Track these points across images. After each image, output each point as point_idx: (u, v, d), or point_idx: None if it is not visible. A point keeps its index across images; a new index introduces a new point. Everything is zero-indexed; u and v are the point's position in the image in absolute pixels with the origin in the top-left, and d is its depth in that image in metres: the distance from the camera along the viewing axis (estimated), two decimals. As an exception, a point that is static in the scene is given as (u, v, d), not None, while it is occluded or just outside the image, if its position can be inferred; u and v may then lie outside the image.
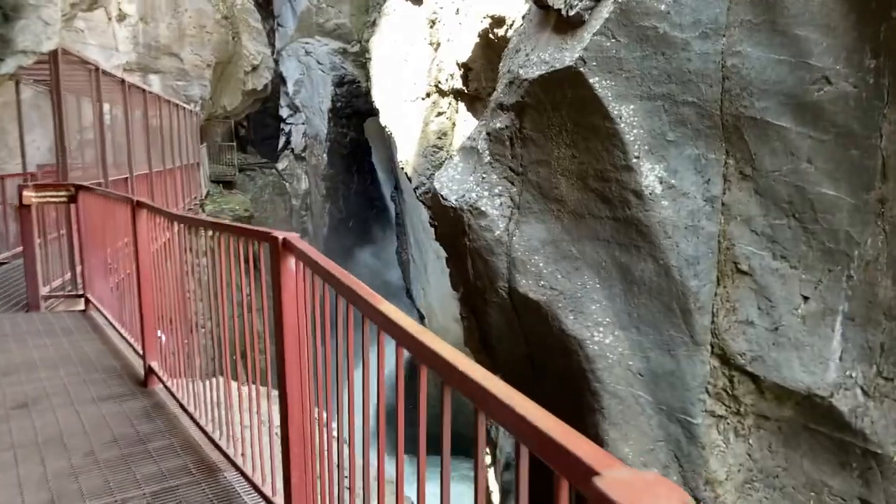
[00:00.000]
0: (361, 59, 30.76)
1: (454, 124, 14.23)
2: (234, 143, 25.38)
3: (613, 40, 6.10)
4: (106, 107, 9.76)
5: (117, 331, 4.71)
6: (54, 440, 3.21)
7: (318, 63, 30.25)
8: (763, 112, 5.67)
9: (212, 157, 23.83)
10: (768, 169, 5.75)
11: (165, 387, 3.58)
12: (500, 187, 7.22)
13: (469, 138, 7.67)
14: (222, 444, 2.91)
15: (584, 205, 6.57)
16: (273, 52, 29.47)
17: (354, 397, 1.83)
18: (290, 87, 30.37)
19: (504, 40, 12.05)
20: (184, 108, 15.47)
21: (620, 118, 6.11)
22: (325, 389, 2.15)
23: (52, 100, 6.60)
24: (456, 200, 7.39)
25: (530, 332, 7.14)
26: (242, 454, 3.00)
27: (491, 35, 12.27)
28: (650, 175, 6.08)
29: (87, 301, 5.67)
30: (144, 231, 3.73)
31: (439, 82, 14.30)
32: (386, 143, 31.76)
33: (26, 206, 5.59)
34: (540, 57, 6.71)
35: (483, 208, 7.19)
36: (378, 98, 16.96)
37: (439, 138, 14.39)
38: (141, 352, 3.95)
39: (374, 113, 33.03)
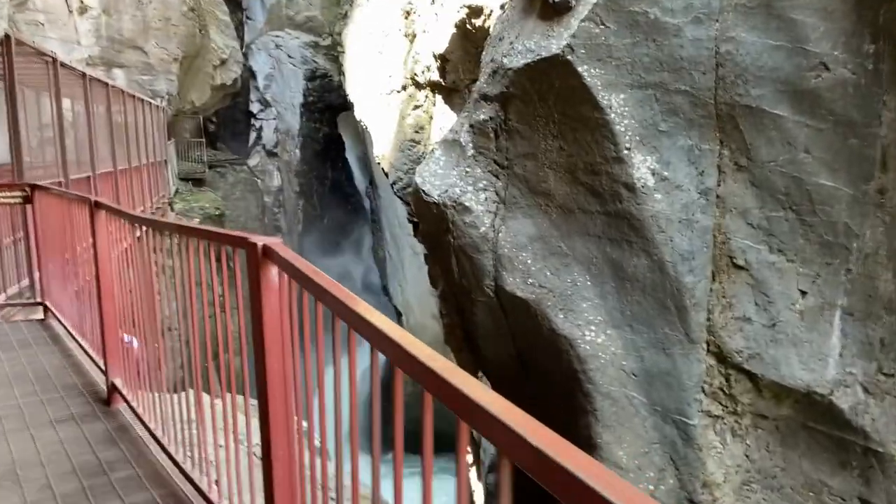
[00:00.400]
0: (333, 53, 30.23)
1: (431, 117, 13.91)
2: (204, 140, 24.74)
3: (602, 27, 5.84)
4: (66, 102, 9.27)
5: (78, 342, 4.34)
6: (7, 471, 2.86)
7: (289, 57, 29.66)
8: (759, 100, 5.46)
9: (180, 155, 23.19)
10: (764, 159, 5.55)
11: (130, 406, 3.24)
12: (484, 181, 6.94)
13: (451, 131, 7.37)
14: (194, 475, 2.59)
15: (574, 199, 6.32)
16: (242, 46, 28.81)
17: (343, 420, 1.55)
18: (261, 82, 29.75)
19: (482, 31, 11.76)
20: (149, 104, 14.91)
21: (610, 108, 5.87)
22: (310, 414, 1.85)
23: (5, 94, 6.15)
24: (438, 196, 7.10)
25: (518, 331, 6.89)
26: (217, 482, 2.69)
27: (468, 25, 11.96)
28: (642, 167, 5.85)
29: (46, 309, 5.26)
30: (104, 234, 3.37)
31: (415, 74, 13.97)
32: (360, 138, 31.29)
33: (-24, 209, 5.18)
34: (525, 45, 6.44)
35: (467, 204, 6.91)
36: (352, 92, 16.57)
37: (416, 132, 14.07)
38: (103, 367, 3.60)
39: (347, 107, 32.51)
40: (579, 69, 5.93)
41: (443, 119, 13.37)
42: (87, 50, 14.99)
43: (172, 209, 17.97)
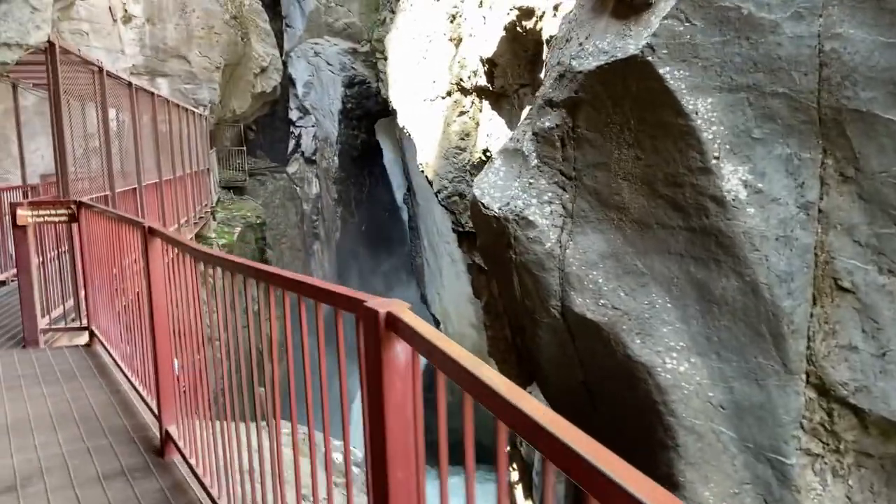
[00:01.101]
0: (372, 59, 30.06)
1: (478, 124, 13.46)
2: (244, 148, 24.70)
3: (687, 24, 5.32)
4: (112, 112, 9.07)
5: (126, 376, 3.98)
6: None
7: (328, 64, 29.55)
8: (869, 104, 4.88)
9: (221, 163, 23.16)
10: (875, 169, 4.95)
11: (186, 461, 2.84)
12: (549, 194, 6.46)
13: (511, 139, 6.91)
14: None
15: (652, 213, 5.79)
16: (282, 54, 28.79)
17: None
18: (300, 90, 29.67)
19: (533, 33, 11.28)
20: (193, 112, 14.79)
21: (696, 114, 5.34)
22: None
23: (50, 103, 5.89)
24: (499, 209, 6.64)
25: (587, 356, 6.37)
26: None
27: (518, 28, 11.50)
28: (732, 178, 5.30)
29: (92, 334, 4.94)
30: (159, 265, 3.00)
31: (461, 80, 13.54)
32: (398, 145, 31.02)
33: (21, 227, 4.87)
34: (597, 46, 5.94)
35: (531, 218, 6.43)
36: (395, 98, 16.22)
37: (462, 139, 13.63)
38: (156, 410, 3.22)
39: (385, 114, 32.31)
40: (661, 71, 5.41)
41: (490, 126, 12.92)
42: (132, 59, 14.93)
43: (214, 218, 17.86)
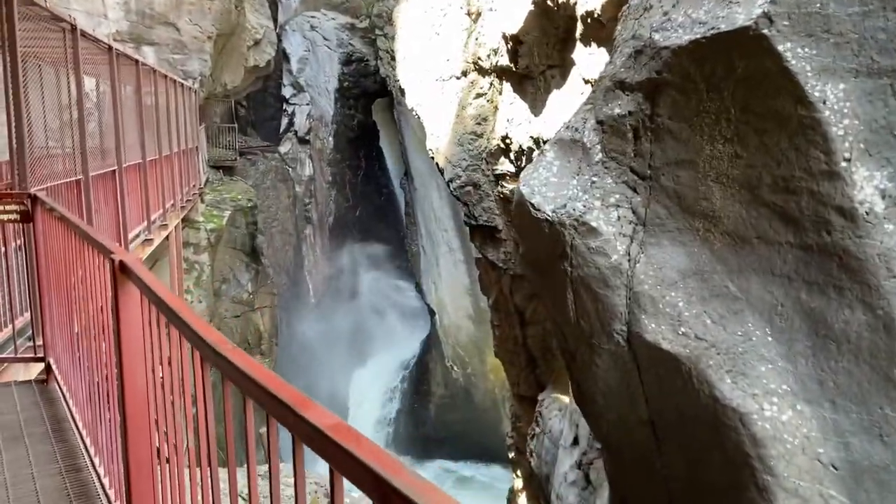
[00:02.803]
0: (370, 36, 28.71)
1: (497, 108, 12.32)
2: (235, 125, 23.34)
3: (818, -11, 4.22)
4: (89, 82, 7.84)
5: (87, 450, 2.86)
6: None
7: (325, 39, 28.15)
8: None
9: (210, 140, 21.82)
10: None
11: None
12: (617, 195, 5.37)
13: (568, 128, 5.80)
14: None
15: (752, 224, 4.72)
16: (276, 27, 27.33)
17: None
18: (294, 65, 28.30)
19: (567, 7, 10.11)
20: (182, 85, 13.49)
21: (824, 103, 4.26)
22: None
23: (3, 64, 4.69)
24: (552, 212, 5.54)
25: (657, 393, 5.32)
26: None
27: (549, 2, 10.33)
28: (867, 186, 4.23)
29: (49, 368, 3.82)
30: (135, 324, 1.88)
31: (479, 59, 12.37)
32: (396, 128, 29.74)
33: (-46, 227, 3.73)
34: (690, 16, 4.83)
35: (593, 223, 5.34)
36: (403, 77, 15.01)
37: (478, 124, 12.49)
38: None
39: (383, 94, 30.96)
40: (780, 48, 4.32)
41: (511, 110, 11.77)
42: (115, 24, 13.59)
43: (203, 200, 16.61)
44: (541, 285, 6.05)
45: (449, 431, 28.10)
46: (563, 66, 10.77)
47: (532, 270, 6.11)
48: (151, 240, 8.94)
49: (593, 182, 5.43)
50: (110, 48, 7.31)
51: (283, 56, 28.09)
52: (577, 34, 10.16)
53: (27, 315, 4.55)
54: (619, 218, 5.32)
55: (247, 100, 29.18)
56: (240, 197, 18.24)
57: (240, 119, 27.60)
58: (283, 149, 27.68)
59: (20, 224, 3.95)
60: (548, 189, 5.68)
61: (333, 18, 28.40)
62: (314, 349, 26.86)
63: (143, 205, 8.75)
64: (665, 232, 5.15)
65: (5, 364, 4.12)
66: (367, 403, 27.75)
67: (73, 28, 5.78)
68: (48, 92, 6.31)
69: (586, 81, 9.90)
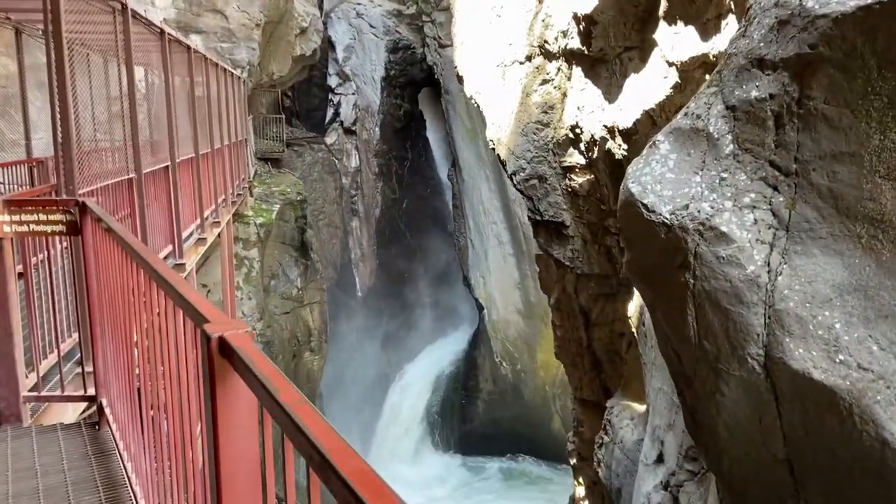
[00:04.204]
0: (417, 23, 27.96)
1: (565, 95, 11.45)
2: (283, 116, 22.88)
3: None
4: (139, 70, 7.29)
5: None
6: None
7: (371, 26, 27.49)
8: None
9: (257, 132, 21.41)
10: None
11: None
12: (753, 194, 4.53)
13: (688, 115, 4.96)
14: None
15: (937, 232, 3.85)
16: (321, 14, 26.77)
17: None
18: (340, 54, 27.71)
19: (650, -17, 9.21)
20: (231, 74, 12.97)
21: None
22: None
23: (48, 55, 4.09)
24: (671, 214, 4.73)
25: (799, 428, 4.49)
26: None
27: (629, -23, 9.43)
28: None
29: (102, 410, 3.21)
30: (239, 421, 1.21)
31: (545, 42, 11.52)
32: (443, 117, 28.97)
33: (-8, 240, 3.15)
34: (858, -24, 3.95)
35: (724, 228, 4.52)
36: (462, 63, 14.22)
37: (544, 112, 11.65)
38: None
39: (430, 83, 30.19)
40: None
41: (582, 97, 10.90)
42: (163, 12, 13.15)
43: (251, 194, 16.15)
44: (651, 298, 5.24)
45: (497, 428, 27.40)
46: (642, 48, 9.86)
47: (640, 281, 5.31)
48: (205, 239, 8.43)
49: (723, 179, 4.60)
50: (162, 32, 6.73)
51: (328, 44, 27.54)
52: (661, 12, 9.23)
53: (72, 339, 3.97)
54: (755, 221, 4.49)
55: (291, 90, 28.76)
56: (289, 190, 17.76)
57: (285, 110, 27.20)
58: (329, 140, 27.19)
59: (66, 237, 3.36)
60: (664, 187, 4.87)
61: (380, 5, 27.72)
62: (361, 344, 26.43)
63: (196, 202, 8.22)
64: (815, 238, 4.31)
65: (51, 403, 3.53)
66: (412, 399, 27.23)
67: (125, 7, 5.18)
68: (96, 82, 5.74)
69: (670, 64, 8.99)
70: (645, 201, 4.89)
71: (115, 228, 2.49)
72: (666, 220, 4.74)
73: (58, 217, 3.14)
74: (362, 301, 27.12)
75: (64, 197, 3.58)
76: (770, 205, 4.46)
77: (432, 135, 29.95)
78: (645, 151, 5.17)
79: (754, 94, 4.47)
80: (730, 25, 7.87)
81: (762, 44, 4.46)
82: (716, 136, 4.67)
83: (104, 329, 3.10)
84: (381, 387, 27.15)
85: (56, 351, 3.61)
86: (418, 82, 28.54)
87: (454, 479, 26.43)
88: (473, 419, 28.09)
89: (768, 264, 4.42)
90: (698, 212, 4.61)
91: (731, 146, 4.59)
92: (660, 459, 8.85)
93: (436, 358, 27.97)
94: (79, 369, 3.87)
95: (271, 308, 17.10)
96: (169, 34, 6.89)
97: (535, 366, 27.07)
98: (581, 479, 14.61)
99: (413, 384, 27.48)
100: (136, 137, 5.49)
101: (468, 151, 27.50)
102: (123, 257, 2.52)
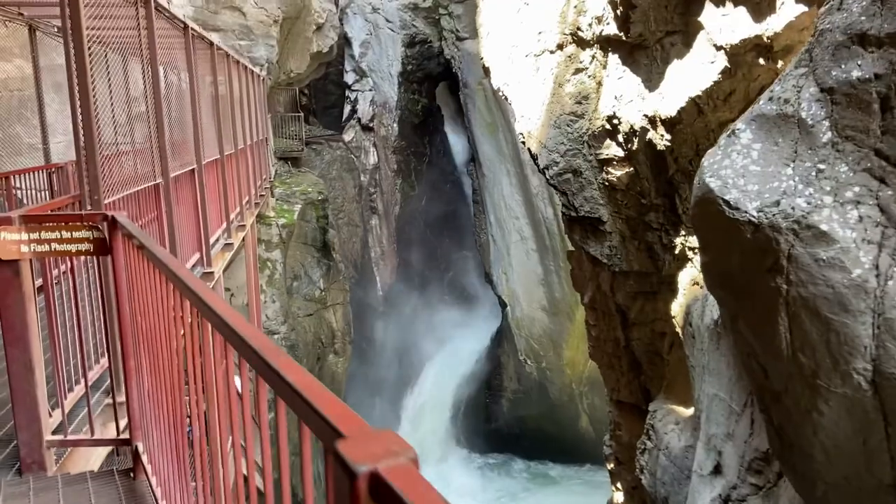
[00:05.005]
0: (434, 16, 27.45)
1: (600, 84, 10.93)
2: (301, 114, 22.48)
3: None
4: (162, 68, 6.87)
5: None
6: None
7: (387, 21, 27.02)
8: None
9: (276, 131, 21.04)
10: None
11: None
12: (856, 187, 4.03)
13: (773, 99, 4.45)
14: None
15: None
16: (337, 10, 26.35)
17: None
18: (356, 49, 27.28)
19: (696, -38, 8.66)
20: (252, 72, 12.58)
21: None
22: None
23: (66, 54, 3.68)
24: (759, 211, 4.23)
25: (915, 450, 3.99)
26: None
27: (672, -43, 8.90)
28: None
29: (137, 457, 2.79)
30: None
31: (579, 28, 10.99)
32: (462, 111, 28.45)
33: (8, 263, 2.71)
34: None
35: (823, 226, 4.01)
36: (489, 54, 13.72)
37: (578, 103, 11.14)
38: None
39: (447, 76, 29.66)
40: None
41: (619, 86, 10.37)
42: (180, 9, 12.75)
43: (272, 194, 15.78)
44: (732, 306, 4.74)
45: (523, 427, 26.94)
46: (686, 32, 9.30)
47: (720, 287, 4.80)
48: (231, 244, 8.04)
49: (820, 170, 4.09)
50: (186, 27, 6.32)
51: (344, 40, 27.11)
52: (707, -8, 8.69)
53: (103, 360, 3.54)
54: (860, 218, 3.98)
55: (308, 88, 28.39)
56: (310, 189, 17.37)
57: (302, 108, 26.84)
58: (347, 137, 26.79)
59: (93, 257, 2.93)
60: (748, 181, 4.37)
61: (395, -1, 27.25)
62: (384, 343, 26.06)
63: (221, 205, 7.83)
64: (935, 238, 3.80)
65: (78, 447, 3.08)
66: (436, 399, 26.81)
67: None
68: (115, 80, 5.33)
69: (718, 48, 8.45)
70: (727, 197, 4.38)
71: (159, 255, 2.03)
72: (753, 219, 4.24)
73: (84, 234, 2.71)
74: (383, 300, 26.73)
75: (89, 210, 3.16)
76: (877, 199, 3.95)
77: (450, 129, 29.46)
78: (722, 141, 4.66)
79: (856, 74, 3.95)
80: (786, 5, 7.32)
81: (864, 17, 3.94)
82: (809, 122, 4.16)
83: (139, 362, 2.67)
84: (405, 386, 26.77)
85: (83, 381, 3.17)
86: (435, 77, 28.05)
87: (480, 479, 26.02)
88: (498, 418, 27.63)
89: (877, 267, 3.91)
90: (792, 208, 4.10)
91: (829, 133, 4.08)
92: (717, 471, 8.35)
93: (459, 357, 27.53)
94: (108, 399, 3.45)
95: (294, 310, 16.75)
96: (193, 29, 6.47)
97: (560, 363, 26.55)
98: (619, 485, 14.12)
99: (436, 384, 27.07)
100: (163, 140, 5.08)
101: (488, 146, 26.98)
102: (164, 282, 2.10)
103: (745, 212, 4.28)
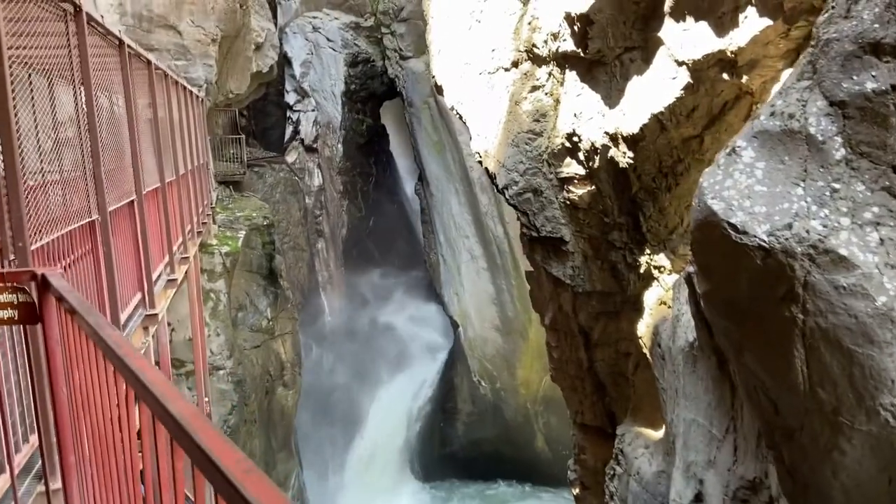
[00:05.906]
0: (376, 35, 27.09)
1: (558, 101, 10.70)
2: (242, 136, 21.65)
3: None
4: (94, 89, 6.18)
5: None
6: None
7: (328, 40, 26.49)
8: None
9: (215, 153, 20.15)
10: None
11: None
12: (875, 207, 3.76)
13: (774, 115, 4.18)
14: None
15: None
16: (276, 29, 25.65)
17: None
18: (297, 69, 26.61)
19: (656, -23, 8.52)
20: (191, 93, 11.83)
21: None
22: None
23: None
24: (770, 235, 3.92)
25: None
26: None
27: (630, -28, 8.73)
28: None
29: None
30: None
31: (534, 45, 10.75)
32: (407, 130, 28.10)
33: None
34: None
35: (842, 251, 3.73)
36: (440, 73, 13.36)
37: (536, 121, 10.87)
38: None
39: (391, 95, 29.28)
40: None
41: (578, 103, 10.15)
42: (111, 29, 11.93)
43: (214, 221, 14.94)
44: (738, 337, 4.42)
45: (479, 451, 26.44)
46: (645, 48, 9.15)
47: (724, 317, 4.47)
48: (175, 280, 7.33)
49: (835, 190, 3.81)
50: (122, 43, 5.65)
51: (284, 60, 26.42)
52: (667, 7, 8.53)
53: (32, 439, 2.89)
54: (881, 241, 3.70)
55: (247, 109, 27.51)
56: (254, 214, 16.59)
57: (242, 129, 25.93)
58: (289, 158, 26.01)
59: (17, 326, 2.34)
60: (755, 202, 4.06)
61: (337, 18, 26.74)
62: (334, 370, 25.20)
63: (163, 238, 7.12)
64: (962, 261, 3.55)
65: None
66: (388, 427, 26.04)
67: (78, 10, 4.12)
68: (40, 107, 4.65)
69: (680, 63, 8.30)
70: (733, 220, 4.06)
71: (96, 326, 1.51)
72: (764, 243, 3.92)
73: (7, 298, 2.12)
74: (332, 325, 25.92)
75: (13, 263, 2.53)
76: (898, 221, 3.69)
77: (397, 149, 29.05)
78: (722, 160, 4.36)
79: (870, 85, 3.70)
80: (749, 19, 7.18)
81: (877, 25, 3.70)
82: (820, 138, 3.89)
83: (80, 452, 2.09)
84: (356, 415, 25.92)
85: (9, 470, 2.53)
86: (380, 96, 27.65)
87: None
88: (453, 442, 27.05)
89: (902, 294, 3.64)
90: (807, 232, 3.81)
91: (843, 150, 3.81)
92: (698, 499, 8.06)
93: (411, 381, 26.89)
94: (41, 487, 2.82)
95: (241, 343, 15.86)
96: (129, 46, 5.80)
97: (515, 383, 26.25)
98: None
99: (388, 410, 26.32)
100: (99, 169, 4.43)
101: (435, 165, 26.68)
102: (106, 364, 1.57)
103: (755, 236, 3.96)
